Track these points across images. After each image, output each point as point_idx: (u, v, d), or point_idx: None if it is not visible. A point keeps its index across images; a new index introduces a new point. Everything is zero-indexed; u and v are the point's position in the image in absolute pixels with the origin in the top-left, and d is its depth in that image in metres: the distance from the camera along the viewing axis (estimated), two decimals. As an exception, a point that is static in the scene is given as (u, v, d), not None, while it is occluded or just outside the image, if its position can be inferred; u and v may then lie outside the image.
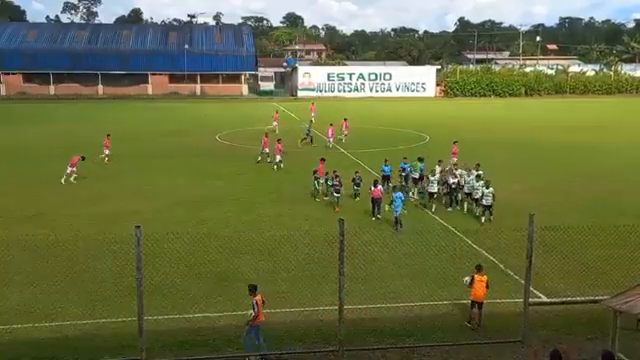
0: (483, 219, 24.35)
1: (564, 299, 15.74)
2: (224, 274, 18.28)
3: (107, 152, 37.07)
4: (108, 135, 38.33)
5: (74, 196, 28.49)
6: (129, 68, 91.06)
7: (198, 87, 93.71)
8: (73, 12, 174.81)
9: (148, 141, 45.74)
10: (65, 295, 16.58)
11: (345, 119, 46.97)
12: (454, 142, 35.49)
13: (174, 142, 45.37)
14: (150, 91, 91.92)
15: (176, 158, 38.52)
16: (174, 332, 14.79)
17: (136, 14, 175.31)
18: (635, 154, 39.73)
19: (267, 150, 36.62)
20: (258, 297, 13.63)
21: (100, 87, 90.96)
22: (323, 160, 29.70)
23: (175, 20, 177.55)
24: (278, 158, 34.94)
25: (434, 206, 26.00)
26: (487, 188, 24.49)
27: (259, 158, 36.65)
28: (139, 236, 12.78)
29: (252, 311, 13.52)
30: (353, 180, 27.27)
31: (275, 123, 50.51)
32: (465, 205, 26.31)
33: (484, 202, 24.47)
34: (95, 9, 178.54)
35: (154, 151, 41.14)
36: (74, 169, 31.48)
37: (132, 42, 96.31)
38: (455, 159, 33.21)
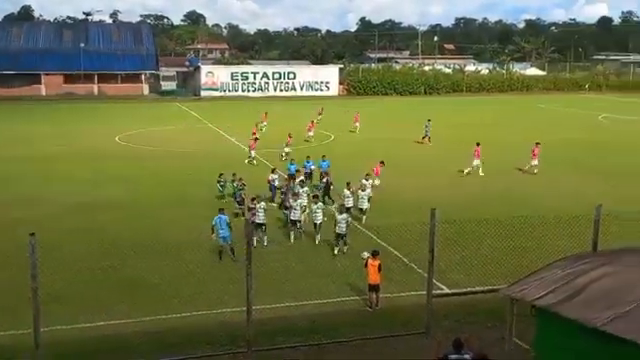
0: (336, 250, 20.18)
1: (465, 290, 16.38)
2: (127, 279, 17.75)
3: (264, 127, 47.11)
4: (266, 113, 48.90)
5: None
6: (20, 68, 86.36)
7: (95, 87, 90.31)
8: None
9: (40, 144, 43.62)
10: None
11: (357, 112, 52.81)
12: (536, 143, 33.79)
13: (69, 144, 43.57)
14: (43, 92, 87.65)
15: (72, 161, 36.95)
16: (77, 342, 14.22)
17: (26, 11, 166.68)
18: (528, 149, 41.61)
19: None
20: None
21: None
22: (382, 163, 29.25)
23: (69, 18, 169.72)
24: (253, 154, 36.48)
25: (292, 235, 21.72)
26: (340, 214, 20.54)
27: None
28: (33, 244, 12.26)
29: None
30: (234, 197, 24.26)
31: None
32: (292, 235, 21.68)
33: (337, 230, 20.13)
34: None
35: (47, 154, 39.29)
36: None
37: (23, 40, 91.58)
38: (535, 161, 33.19)
